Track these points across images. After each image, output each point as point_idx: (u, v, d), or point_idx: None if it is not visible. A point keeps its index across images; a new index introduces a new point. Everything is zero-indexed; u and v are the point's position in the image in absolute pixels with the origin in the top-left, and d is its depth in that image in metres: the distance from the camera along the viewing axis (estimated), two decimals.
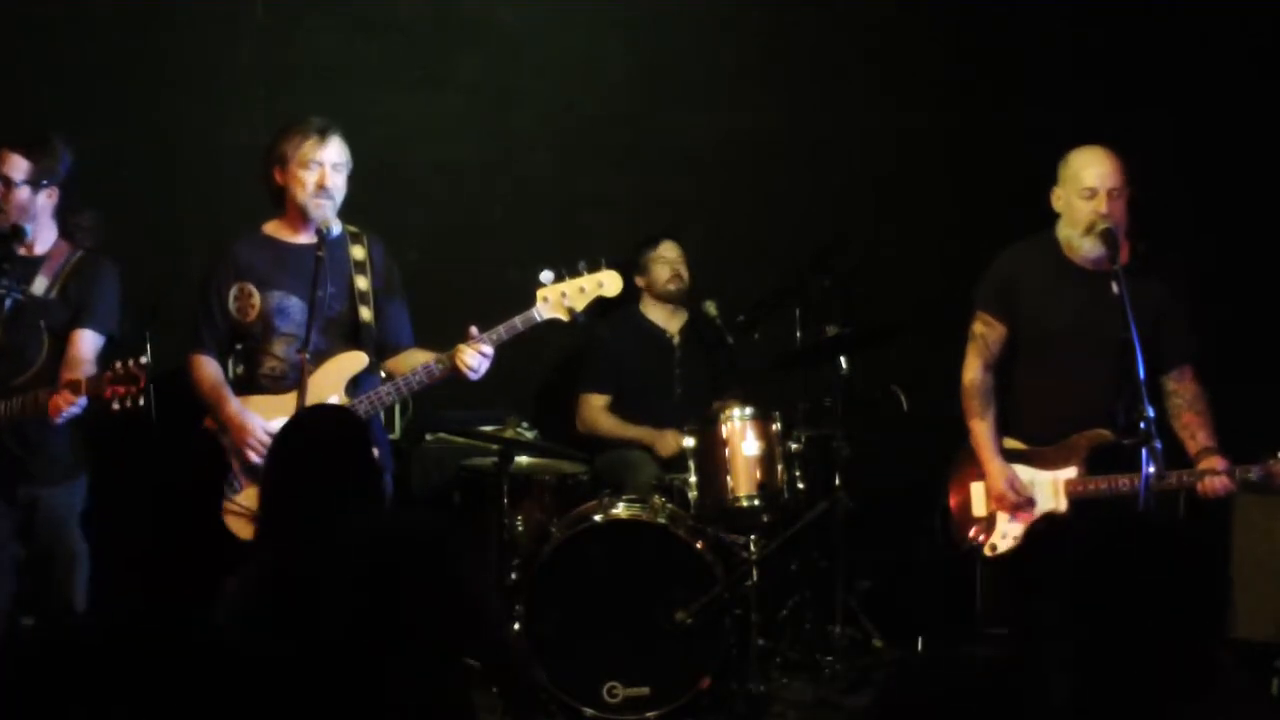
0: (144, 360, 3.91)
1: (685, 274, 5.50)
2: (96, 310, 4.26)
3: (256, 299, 4.31)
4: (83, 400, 3.94)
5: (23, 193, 4.22)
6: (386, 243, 4.50)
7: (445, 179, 5.77)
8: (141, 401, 3.90)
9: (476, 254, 5.79)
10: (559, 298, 4.26)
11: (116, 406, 3.92)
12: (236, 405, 4.24)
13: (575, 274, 4.27)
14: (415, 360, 4.39)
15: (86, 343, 4.23)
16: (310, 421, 3.26)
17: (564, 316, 4.28)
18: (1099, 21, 5.74)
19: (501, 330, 4.22)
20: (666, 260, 5.49)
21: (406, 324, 4.48)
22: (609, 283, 4.32)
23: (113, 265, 4.36)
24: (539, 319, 4.26)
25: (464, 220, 5.81)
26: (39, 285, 4.21)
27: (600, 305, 5.43)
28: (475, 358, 4.16)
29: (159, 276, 5.20)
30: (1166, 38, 5.69)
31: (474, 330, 4.20)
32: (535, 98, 5.82)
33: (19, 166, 4.23)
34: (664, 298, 5.51)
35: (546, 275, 4.27)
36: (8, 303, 4.15)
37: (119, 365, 3.93)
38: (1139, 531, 2.14)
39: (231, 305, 4.33)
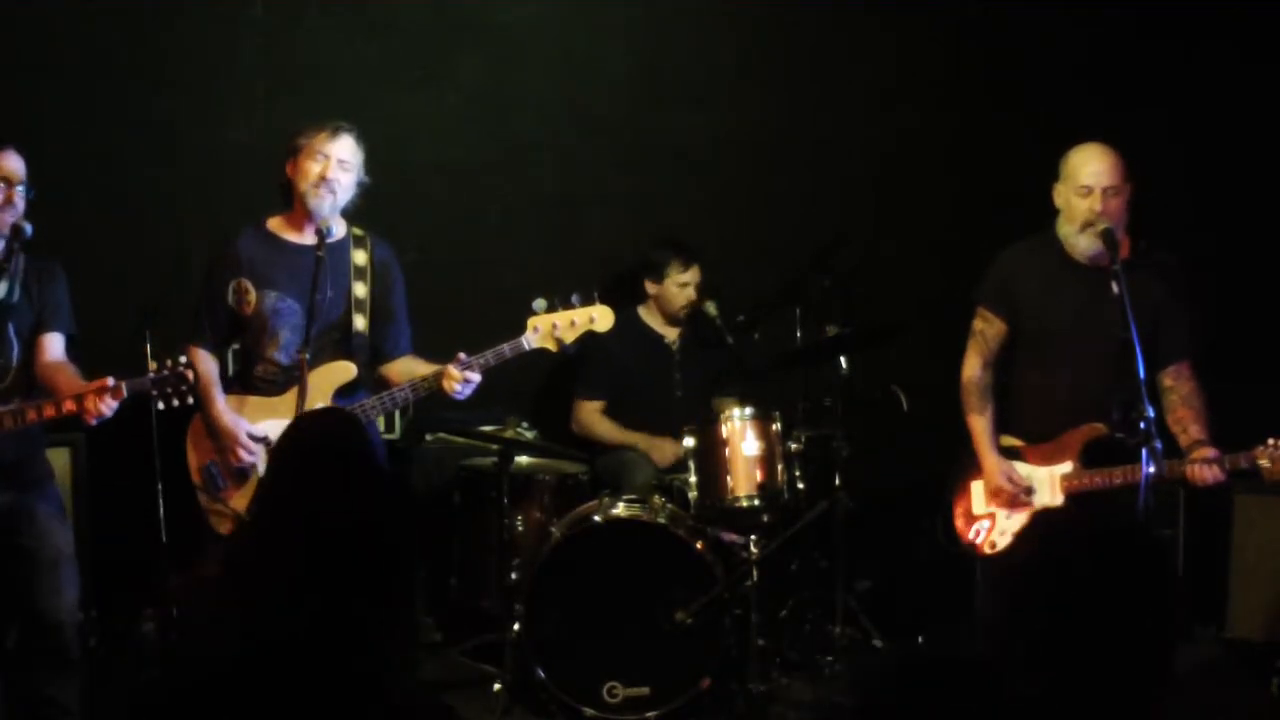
0: (183, 360, 3.97)
1: (696, 297, 5.46)
2: (61, 312, 4.18)
3: (253, 296, 4.34)
4: (115, 404, 3.90)
5: (20, 194, 4.06)
6: (391, 246, 4.51)
7: (445, 179, 5.77)
8: (190, 400, 3.99)
9: (476, 254, 5.79)
10: (549, 329, 4.32)
11: (162, 406, 3.97)
12: (222, 406, 4.29)
13: (568, 305, 4.33)
14: (412, 368, 4.42)
15: (59, 345, 4.17)
16: (311, 428, 3.10)
17: (552, 348, 4.35)
18: (1099, 21, 5.74)
19: (489, 356, 4.28)
20: (688, 287, 5.42)
21: (406, 330, 4.50)
22: (600, 318, 4.38)
23: (59, 266, 4.24)
24: (527, 348, 4.32)
25: (464, 220, 5.81)
26: (0, 289, 4.08)
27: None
28: (461, 384, 4.24)
29: (159, 276, 5.21)
30: (1165, 37, 5.69)
31: (462, 356, 4.26)
32: (535, 98, 5.82)
33: (19, 165, 4.06)
34: (669, 319, 5.51)
35: (539, 304, 4.33)
36: None
37: (157, 368, 3.93)
38: (1099, 535, 2.15)
39: (230, 298, 4.36)
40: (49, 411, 3.93)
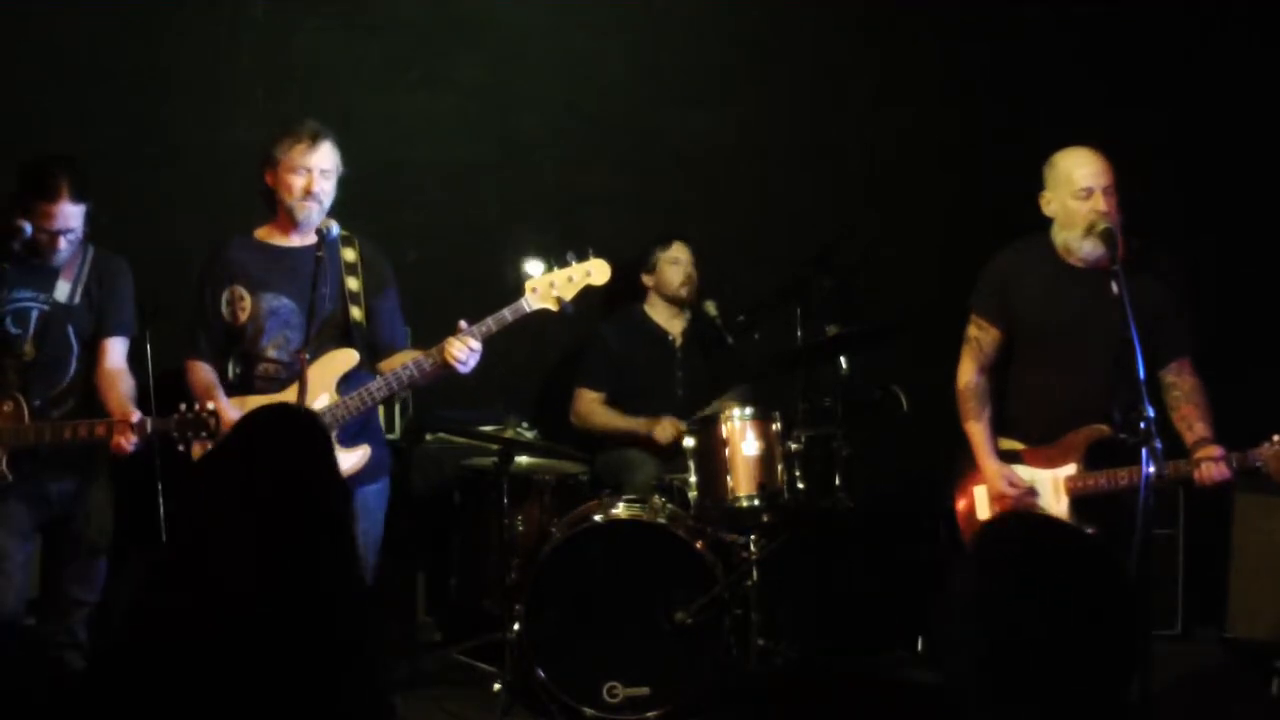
0: (210, 406, 4.03)
1: (695, 276, 5.50)
2: (122, 315, 4.30)
3: (248, 301, 4.32)
4: (136, 440, 4.01)
5: (78, 234, 4.19)
6: (379, 245, 4.50)
7: (445, 179, 5.77)
8: (210, 446, 4.01)
9: (476, 254, 5.79)
10: (547, 288, 4.27)
11: (182, 448, 4.04)
12: (226, 404, 4.26)
13: (563, 264, 4.29)
14: (409, 359, 4.41)
15: (119, 352, 4.29)
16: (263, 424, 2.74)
17: (553, 306, 4.28)
18: (1098, 21, 5.74)
19: (490, 322, 4.22)
20: (679, 262, 5.47)
21: (400, 325, 4.49)
22: (596, 271, 4.32)
23: (125, 264, 4.37)
24: (528, 309, 4.26)
25: (463, 220, 5.81)
26: (62, 291, 4.20)
27: (604, 304, 5.46)
28: (463, 350, 4.16)
29: (159, 276, 5.19)
30: (1165, 37, 5.69)
31: (463, 324, 4.21)
32: (535, 98, 5.82)
33: (78, 214, 4.17)
34: (673, 300, 5.51)
35: (534, 266, 4.29)
36: (34, 313, 4.17)
37: (186, 410, 4.00)
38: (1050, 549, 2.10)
39: (224, 308, 4.35)
40: (83, 432, 4.06)
